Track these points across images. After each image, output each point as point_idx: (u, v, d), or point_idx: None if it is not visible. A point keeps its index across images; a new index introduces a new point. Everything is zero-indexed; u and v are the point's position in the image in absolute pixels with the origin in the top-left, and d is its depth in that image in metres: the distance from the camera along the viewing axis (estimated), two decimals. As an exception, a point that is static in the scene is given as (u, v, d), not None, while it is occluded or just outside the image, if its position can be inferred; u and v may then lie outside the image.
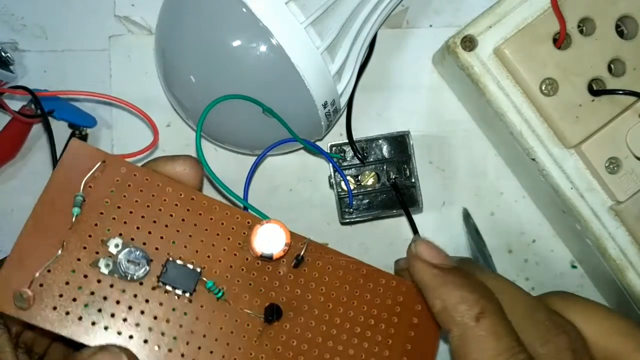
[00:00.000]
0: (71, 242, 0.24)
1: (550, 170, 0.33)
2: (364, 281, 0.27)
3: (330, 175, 0.35)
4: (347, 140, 0.35)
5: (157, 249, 0.25)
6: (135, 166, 0.25)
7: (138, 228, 0.25)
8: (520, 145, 0.34)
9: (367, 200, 0.36)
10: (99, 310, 0.24)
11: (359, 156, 0.35)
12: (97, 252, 0.24)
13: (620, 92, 0.32)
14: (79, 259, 0.24)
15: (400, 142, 0.36)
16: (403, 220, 0.37)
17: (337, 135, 0.38)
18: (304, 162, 0.38)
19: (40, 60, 0.38)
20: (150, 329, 0.24)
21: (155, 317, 0.24)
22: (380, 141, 0.36)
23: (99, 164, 0.24)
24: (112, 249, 0.24)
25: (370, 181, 0.36)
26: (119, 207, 0.24)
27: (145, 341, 0.24)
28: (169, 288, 0.24)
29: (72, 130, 0.37)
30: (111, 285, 0.24)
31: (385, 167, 0.36)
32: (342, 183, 0.35)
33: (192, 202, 0.25)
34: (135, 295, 0.24)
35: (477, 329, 0.23)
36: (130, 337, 0.24)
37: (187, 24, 0.31)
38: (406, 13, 0.38)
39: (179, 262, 0.25)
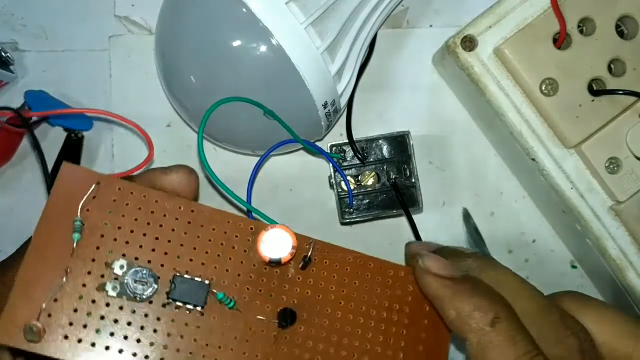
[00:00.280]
0: (75, 269, 0.23)
1: (550, 170, 0.33)
2: (373, 275, 0.27)
3: (330, 175, 0.35)
4: (347, 140, 0.35)
5: (162, 265, 0.24)
6: (131, 184, 0.25)
7: (141, 246, 0.24)
8: (520, 145, 0.34)
9: (367, 200, 0.36)
10: (111, 334, 0.23)
11: (359, 156, 0.35)
12: (103, 276, 0.24)
13: (620, 92, 0.32)
14: (84, 285, 0.23)
15: (400, 142, 0.36)
16: (403, 220, 0.37)
17: (337, 135, 0.38)
18: (304, 162, 0.38)
19: (40, 60, 0.38)
20: (165, 347, 0.24)
21: (168, 334, 0.24)
22: (380, 141, 0.36)
23: (93, 186, 0.24)
24: (118, 271, 0.24)
25: (370, 181, 0.36)
26: (119, 228, 0.24)
27: (162, 359, 0.24)
28: (179, 304, 0.24)
29: (68, 132, 0.37)
30: (120, 308, 0.24)
31: (385, 167, 0.36)
32: (342, 183, 0.35)
33: (192, 214, 0.25)
34: (146, 315, 0.24)
35: (493, 334, 0.23)
36: (146, 357, 0.24)
37: (187, 24, 0.31)
38: (406, 13, 0.38)
39: (186, 276, 0.24)
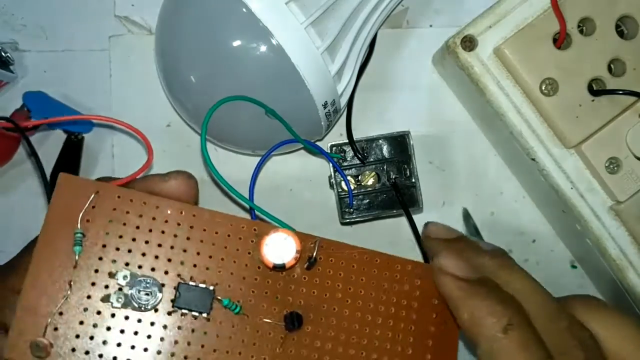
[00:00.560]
0: (78, 281, 0.23)
1: (550, 170, 0.33)
2: (379, 270, 0.26)
3: (331, 175, 0.35)
4: (347, 140, 0.35)
5: (166, 273, 0.24)
6: (130, 191, 0.24)
7: (144, 255, 0.24)
8: (520, 145, 0.34)
9: (367, 200, 0.36)
10: (119, 345, 0.23)
11: (359, 156, 0.35)
12: (107, 287, 0.24)
13: (620, 92, 0.32)
14: (89, 297, 0.23)
15: (400, 142, 0.36)
16: (403, 220, 0.37)
17: (337, 135, 0.38)
18: (304, 162, 0.38)
19: (40, 60, 0.38)
20: (172, 355, 0.24)
21: (175, 342, 0.24)
22: (380, 141, 0.36)
23: (92, 196, 0.24)
24: (121, 281, 0.24)
25: (370, 181, 0.36)
26: (120, 237, 0.24)
27: None
28: (185, 311, 0.24)
29: (68, 134, 0.37)
30: (126, 318, 0.24)
31: (385, 167, 0.36)
32: (343, 183, 0.35)
33: (194, 219, 0.25)
34: (152, 324, 0.24)
35: (505, 341, 0.23)
36: None
37: (187, 24, 0.31)
38: (406, 13, 0.38)
39: (191, 283, 0.24)
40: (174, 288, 0.24)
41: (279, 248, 0.25)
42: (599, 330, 0.24)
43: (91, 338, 0.23)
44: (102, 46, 0.38)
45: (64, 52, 0.38)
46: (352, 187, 0.35)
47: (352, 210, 0.35)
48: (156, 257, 0.24)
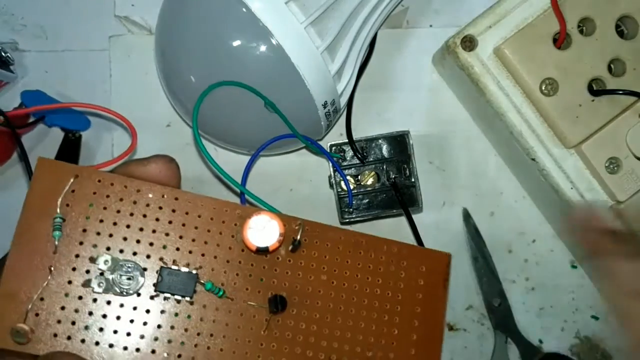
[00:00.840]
0: (59, 266, 0.23)
1: (550, 170, 0.33)
2: (365, 252, 0.26)
3: (330, 175, 0.35)
4: (347, 140, 0.35)
5: (148, 257, 0.24)
6: (111, 175, 0.24)
7: (125, 239, 0.24)
8: (520, 145, 0.34)
9: (367, 200, 0.36)
10: (101, 330, 0.23)
11: (359, 156, 0.35)
12: (88, 271, 0.24)
13: (620, 92, 0.32)
14: (70, 282, 0.23)
15: (400, 142, 0.36)
16: (403, 220, 0.37)
17: (337, 135, 0.38)
18: (304, 162, 0.38)
19: (40, 60, 0.38)
20: (156, 339, 0.24)
21: (159, 326, 0.24)
22: (380, 141, 0.36)
23: (71, 180, 0.24)
24: (102, 266, 0.24)
25: (370, 181, 0.36)
26: (101, 221, 0.24)
27: (153, 351, 0.24)
28: (168, 295, 0.24)
29: (65, 132, 0.37)
30: (108, 302, 0.24)
31: (385, 166, 0.36)
32: (342, 183, 0.35)
33: (176, 202, 0.25)
34: (134, 308, 0.24)
35: None
36: (137, 349, 0.24)
37: (187, 24, 0.31)
38: (406, 13, 0.38)
39: (173, 267, 0.24)
40: (157, 272, 0.24)
41: (262, 231, 0.24)
42: None
43: (73, 323, 0.23)
44: (102, 46, 0.38)
45: (64, 52, 0.38)
46: (352, 187, 0.35)
47: (351, 210, 0.35)
48: (138, 241, 0.24)
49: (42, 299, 0.23)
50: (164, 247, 0.24)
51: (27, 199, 0.23)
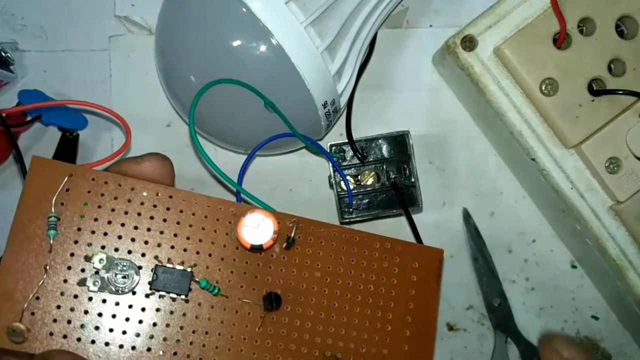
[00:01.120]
0: (54, 265, 0.23)
1: (550, 170, 0.33)
2: (359, 248, 0.27)
3: (330, 175, 0.35)
4: (346, 140, 0.35)
5: (143, 255, 0.24)
6: (105, 173, 0.24)
7: (120, 237, 0.24)
8: (520, 145, 0.34)
9: (366, 200, 0.36)
10: (97, 328, 0.23)
11: (359, 156, 0.35)
12: (83, 270, 0.24)
13: (620, 92, 0.32)
14: (65, 280, 0.23)
15: (400, 142, 0.36)
16: (403, 220, 0.37)
17: (337, 135, 0.38)
18: (304, 162, 0.38)
19: (40, 60, 0.38)
20: (151, 337, 0.24)
21: (154, 324, 0.24)
22: (380, 141, 0.36)
23: (66, 178, 0.24)
24: (97, 265, 0.24)
25: (370, 181, 0.36)
26: (96, 220, 0.24)
27: (149, 349, 0.24)
28: (163, 293, 0.24)
29: (63, 131, 0.37)
30: (104, 301, 0.24)
31: (385, 167, 0.36)
32: (342, 183, 0.35)
33: (170, 201, 0.25)
34: (130, 306, 0.24)
35: None
36: (133, 347, 0.24)
37: (187, 24, 0.31)
38: (406, 13, 0.38)
39: (168, 265, 0.24)
40: (152, 270, 0.24)
41: (257, 229, 0.25)
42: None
43: (68, 322, 0.23)
44: (102, 46, 0.38)
45: (64, 52, 0.38)
46: (352, 187, 0.35)
47: (351, 210, 0.35)
48: (132, 239, 0.24)
49: (37, 298, 0.23)
50: (159, 245, 0.25)
51: (22, 198, 0.23)
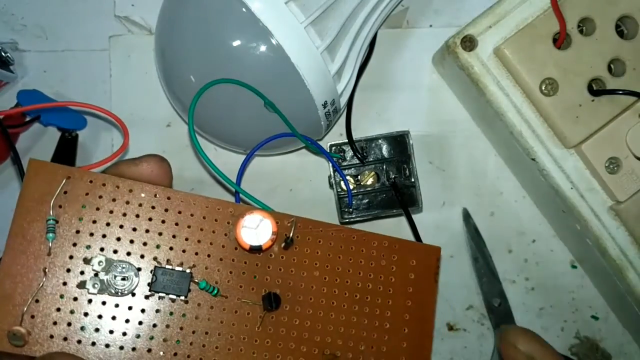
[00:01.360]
0: (53, 268, 0.23)
1: (550, 170, 0.33)
2: (357, 247, 0.27)
3: (330, 175, 0.35)
4: (346, 140, 0.35)
5: (142, 256, 0.24)
6: (103, 175, 0.24)
7: (119, 239, 0.24)
8: (520, 145, 0.34)
9: (366, 200, 0.36)
10: (97, 330, 0.23)
11: (359, 156, 0.35)
12: (82, 273, 0.24)
13: (620, 92, 0.32)
14: (65, 283, 0.23)
15: (400, 142, 0.36)
16: (403, 220, 0.37)
17: (336, 135, 0.38)
18: (304, 162, 0.38)
19: (40, 60, 0.38)
20: (151, 338, 0.24)
21: (154, 325, 0.24)
22: (380, 141, 0.36)
23: (63, 181, 0.24)
24: (97, 267, 0.24)
25: (369, 181, 0.36)
26: (94, 222, 0.24)
27: (149, 350, 0.24)
28: (162, 294, 0.24)
29: (62, 132, 0.37)
30: (103, 303, 0.24)
31: (385, 166, 0.36)
32: (342, 183, 0.35)
33: (169, 202, 0.25)
34: (130, 308, 0.24)
35: None
36: (133, 349, 0.24)
37: (187, 24, 0.31)
38: (406, 13, 0.38)
39: (167, 267, 0.24)
40: (151, 272, 0.24)
41: (256, 230, 0.25)
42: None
43: (69, 324, 0.23)
44: (102, 46, 0.38)
45: (64, 52, 0.38)
46: (352, 187, 0.35)
47: (351, 210, 0.35)
48: (131, 241, 0.24)
49: (37, 301, 0.23)
50: (158, 246, 0.25)
51: (20, 201, 0.23)
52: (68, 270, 0.24)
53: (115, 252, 0.24)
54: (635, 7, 0.33)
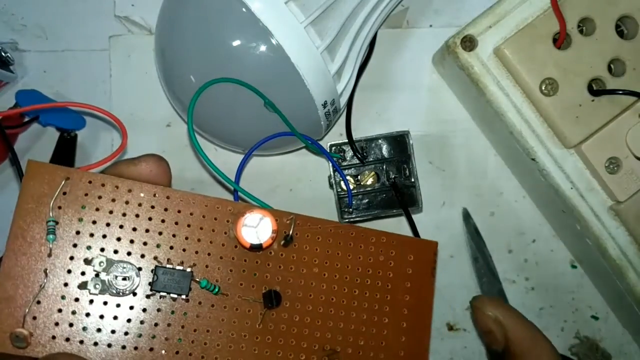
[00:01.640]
0: (54, 269, 0.23)
1: (550, 170, 0.33)
2: (355, 243, 0.27)
3: (330, 175, 0.35)
4: (346, 140, 0.35)
5: (142, 256, 0.24)
6: (102, 176, 0.24)
7: (119, 239, 0.24)
8: (520, 145, 0.34)
9: (366, 200, 0.36)
10: (99, 330, 0.24)
11: (359, 156, 0.35)
12: (83, 273, 0.24)
13: (620, 92, 0.32)
14: (66, 284, 0.23)
15: (400, 142, 0.36)
16: (403, 220, 0.37)
17: (336, 135, 0.38)
18: (304, 162, 0.38)
19: (40, 60, 0.38)
20: (153, 337, 0.24)
21: (155, 324, 0.24)
22: (380, 141, 0.36)
23: (62, 182, 0.24)
24: (98, 267, 0.24)
25: (369, 181, 0.36)
26: (94, 223, 0.24)
27: (151, 349, 0.24)
28: (163, 293, 0.24)
29: (61, 132, 0.37)
30: (105, 303, 0.24)
31: (384, 167, 0.36)
32: (342, 183, 0.35)
33: (168, 201, 0.25)
34: (131, 307, 0.24)
35: None
36: (135, 348, 0.24)
37: (187, 24, 0.31)
38: (406, 13, 0.38)
39: (168, 266, 0.24)
40: (151, 271, 0.24)
41: (256, 228, 0.25)
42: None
43: (70, 325, 0.23)
44: (102, 46, 0.38)
45: (64, 52, 0.38)
46: (352, 187, 0.35)
47: (351, 210, 0.35)
48: (131, 241, 0.24)
49: (39, 303, 0.23)
50: (158, 246, 0.25)
51: (19, 203, 0.23)
52: (69, 271, 0.24)
53: (115, 252, 0.24)
54: (635, 7, 0.33)
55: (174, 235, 0.25)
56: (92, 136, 0.38)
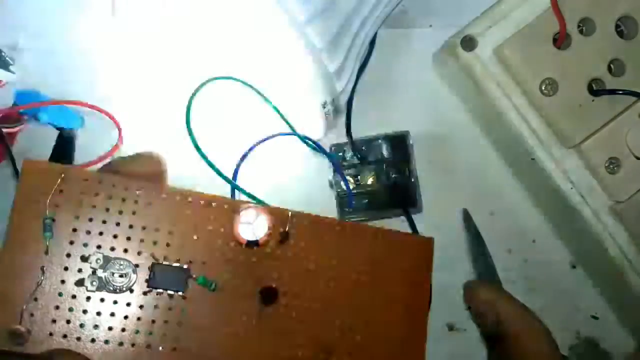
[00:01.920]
0: (51, 267, 0.23)
1: (550, 170, 0.33)
2: (351, 240, 0.27)
3: (330, 175, 0.35)
4: (347, 140, 0.35)
5: (139, 253, 0.24)
6: (98, 173, 0.24)
7: (115, 237, 0.24)
8: (520, 145, 0.34)
9: (366, 200, 0.36)
10: (96, 327, 0.24)
11: (359, 156, 0.35)
12: (80, 270, 0.24)
13: (620, 92, 0.32)
14: (63, 281, 0.23)
15: (400, 142, 0.36)
16: (403, 220, 0.37)
17: (337, 135, 0.37)
18: (304, 162, 0.38)
19: (40, 60, 0.38)
20: (150, 333, 0.24)
21: (153, 321, 0.24)
22: (380, 141, 0.36)
23: (58, 180, 0.24)
24: (94, 265, 0.24)
25: (369, 181, 0.36)
26: (90, 220, 0.24)
27: (148, 346, 0.24)
28: (160, 290, 0.24)
29: (60, 131, 0.37)
30: (102, 300, 0.24)
31: (385, 167, 0.36)
32: (342, 183, 0.35)
33: (164, 198, 0.25)
34: (128, 304, 0.24)
35: None
36: (133, 345, 0.24)
37: (187, 23, 0.31)
38: (406, 13, 0.38)
39: (165, 263, 0.25)
40: (148, 268, 0.24)
41: (252, 225, 0.25)
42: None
43: (68, 322, 0.23)
44: (102, 46, 0.38)
45: (64, 52, 0.38)
46: (352, 187, 0.35)
47: (351, 210, 0.35)
48: (128, 238, 0.24)
49: (36, 300, 0.23)
50: (155, 243, 0.25)
51: (15, 201, 0.23)
52: (66, 269, 0.24)
53: (112, 249, 0.24)
54: (635, 7, 0.33)
55: (170, 232, 0.25)
56: (90, 134, 0.38)
